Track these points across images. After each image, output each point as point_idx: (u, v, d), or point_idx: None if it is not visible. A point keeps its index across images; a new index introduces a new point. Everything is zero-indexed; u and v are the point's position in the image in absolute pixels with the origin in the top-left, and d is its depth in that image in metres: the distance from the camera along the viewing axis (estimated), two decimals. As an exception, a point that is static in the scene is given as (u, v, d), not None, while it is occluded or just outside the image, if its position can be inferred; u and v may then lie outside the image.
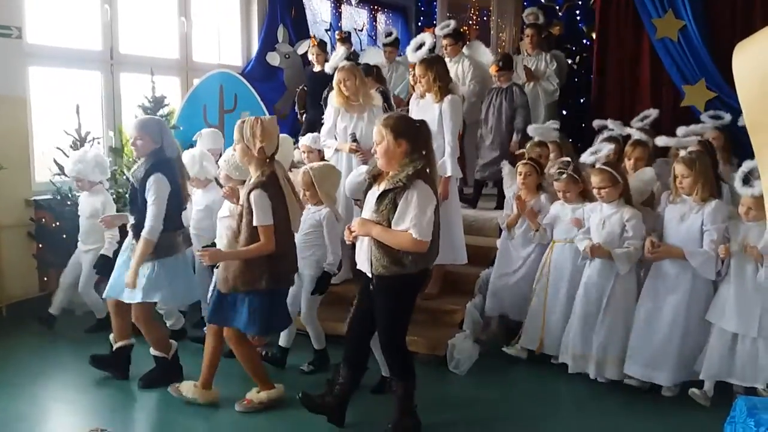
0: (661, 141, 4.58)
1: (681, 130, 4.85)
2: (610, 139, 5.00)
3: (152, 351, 4.14)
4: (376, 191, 3.38)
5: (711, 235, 3.85)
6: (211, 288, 4.05)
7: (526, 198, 4.67)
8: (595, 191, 4.19)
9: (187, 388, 3.91)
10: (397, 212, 3.23)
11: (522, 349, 4.53)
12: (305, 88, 7.05)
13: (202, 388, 3.88)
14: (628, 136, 5.08)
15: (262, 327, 3.73)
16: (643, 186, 4.38)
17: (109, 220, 4.54)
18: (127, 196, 4.03)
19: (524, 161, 4.75)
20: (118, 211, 4.95)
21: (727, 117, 5.46)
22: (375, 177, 3.46)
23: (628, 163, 4.71)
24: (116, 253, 4.36)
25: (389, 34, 7.57)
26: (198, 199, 4.97)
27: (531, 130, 5.39)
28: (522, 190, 4.70)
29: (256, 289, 3.62)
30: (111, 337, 4.26)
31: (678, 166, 3.96)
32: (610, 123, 5.43)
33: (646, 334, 4.02)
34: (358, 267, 3.51)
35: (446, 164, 4.78)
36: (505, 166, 5.03)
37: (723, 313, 3.85)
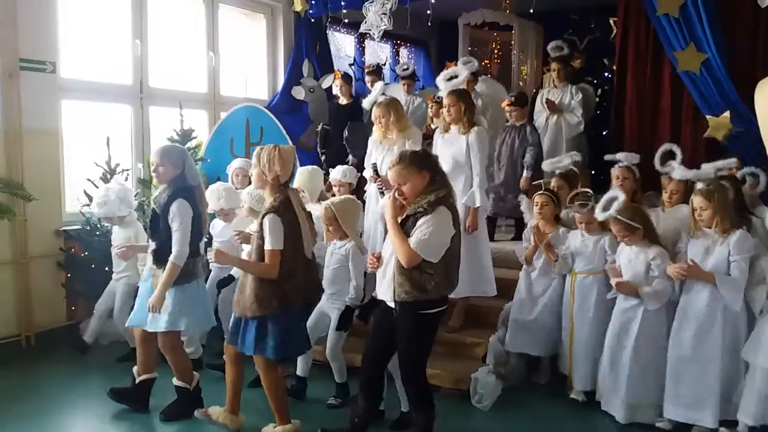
0: (678, 173, 4.51)
1: (706, 167, 4.80)
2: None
3: (175, 381, 4.15)
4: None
5: (739, 265, 3.78)
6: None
7: (544, 229, 4.66)
8: (618, 238, 4.20)
9: (217, 412, 3.92)
10: (415, 229, 3.30)
11: (578, 392, 4.45)
12: (326, 127, 7.09)
13: (230, 413, 3.89)
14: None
15: (277, 352, 3.67)
16: (679, 224, 4.31)
17: (125, 251, 4.45)
18: (148, 222, 4.05)
19: (541, 192, 4.75)
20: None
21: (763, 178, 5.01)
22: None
23: (665, 196, 4.65)
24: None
25: (405, 68, 7.69)
26: (220, 231, 5.04)
27: (546, 165, 5.36)
28: (539, 221, 4.69)
29: (267, 314, 3.63)
30: (134, 369, 4.27)
31: (696, 199, 3.91)
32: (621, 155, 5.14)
33: (683, 373, 3.93)
34: (379, 297, 3.51)
35: (475, 195, 4.79)
36: (523, 201, 5.01)
37: (759, 350, 3.73)
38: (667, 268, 3.93)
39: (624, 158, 4.93)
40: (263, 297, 3.61)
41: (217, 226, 5.10)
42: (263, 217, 3.63)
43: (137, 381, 4.23)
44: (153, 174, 4.04)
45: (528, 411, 4.36)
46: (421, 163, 3.39)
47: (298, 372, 4.46)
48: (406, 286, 3.32)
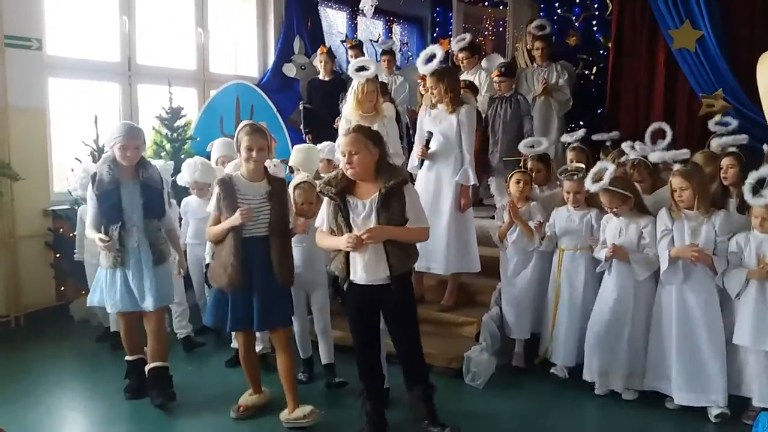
0: (655, 156, 4.43)
1: (715, 142, 4.76)
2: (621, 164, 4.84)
3: (157, 363, 4.02)
4: (365, 202, 3.37)
5: (723, 245, 3.82)
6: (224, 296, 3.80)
7: (516, 205, 4.63)
8: (608, 209, 4.16)
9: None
10: (408, 212, 3.39)
11: (561, 368, 4.43)
12: (307, 105, 7.02)
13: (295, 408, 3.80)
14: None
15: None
16: (663, 205, 4.22)
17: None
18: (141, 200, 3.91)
19: (521, 170, 4.74)
20: None
21: (734, 123, 5.21)
22: (343, 190, 3.41)
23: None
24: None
25: (386, 43, 7.59)
26: (195, 208, 4.94)
27: (521, 146, 5.23)
28: (514, 197, 4.66)
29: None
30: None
31: (675, 179, 3.89)
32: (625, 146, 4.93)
33: (692, 359, 3.90)
34: (363, 282, 3.41)
35: (468, 173, 4.78)
36: (493, 182, 4.98)
37: (756, 333, 3.71)
38: (672, 251, 3.89)
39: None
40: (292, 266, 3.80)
41: (191, 203, 5.01)
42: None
43: (150, 367, 4.05)
44: (126, 154, 3.84)
45: (522, 389, 4.36)
46: (374, 139, 3.43)
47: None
48: (403, 258, 3.39)
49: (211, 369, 4.66)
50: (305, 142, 6.79)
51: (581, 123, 7.27)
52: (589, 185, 4.13)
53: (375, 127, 4.70)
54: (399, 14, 9.82)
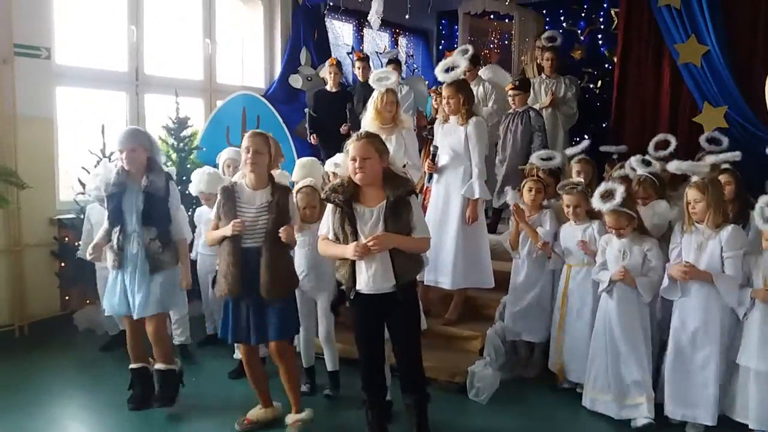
0: (672, 166, 4.43)
1: (710, 159, 4.76)
2: (622, 178, 4.84)
3: (162, 366, 4.04)
4: (372, 209, 3.36)
5: (734, 261, 3.75)
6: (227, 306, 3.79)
7: (528, 213, 4.63)
8: (611, 231, 4.12)
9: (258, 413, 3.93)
10: (414, 222, 3.39)
11: (571, 382, 4.44)
12: (313, 114, 7.04)
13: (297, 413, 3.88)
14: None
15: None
16: (658, 220, 4.25)
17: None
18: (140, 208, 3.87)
19: (534, 178, 4.74)
20: None
21: (725, 141, 5.27)
22: (350, 197, 3.39)
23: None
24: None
25: (389, 52, 7.61)
26: (207, 218, 4.93)
27: (534, 158, 5.21)
28: (526, 205, 4.67)
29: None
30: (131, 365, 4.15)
31: (690, 191, 3.87)
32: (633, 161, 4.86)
33: (683, 372, 3.89)
34: (369, 291, 3.38)
35: (474, 186, 4.76)
36: (509, 192, 4.97)
37: (758, 353, 3.68)
38: (669, 270, 3.89)
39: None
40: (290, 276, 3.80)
41: (204, 213, 5.02)
42: (288, 196, 3.82)
43: (156, 369, 4.08)
44: (124, 159, 3.84)
45: (526, 405, 4.33)
46: (383, 148, 3.46)
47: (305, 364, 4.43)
48: (408, 267, 3.40)
49: (215, 380, 4.64)
50: (312, 148, 6.83)
51: (586, 137, 7.28)
52: (598, 204, 4.10)
53: (393, 138, 4.81)
54: (405, 26, 9.85)
